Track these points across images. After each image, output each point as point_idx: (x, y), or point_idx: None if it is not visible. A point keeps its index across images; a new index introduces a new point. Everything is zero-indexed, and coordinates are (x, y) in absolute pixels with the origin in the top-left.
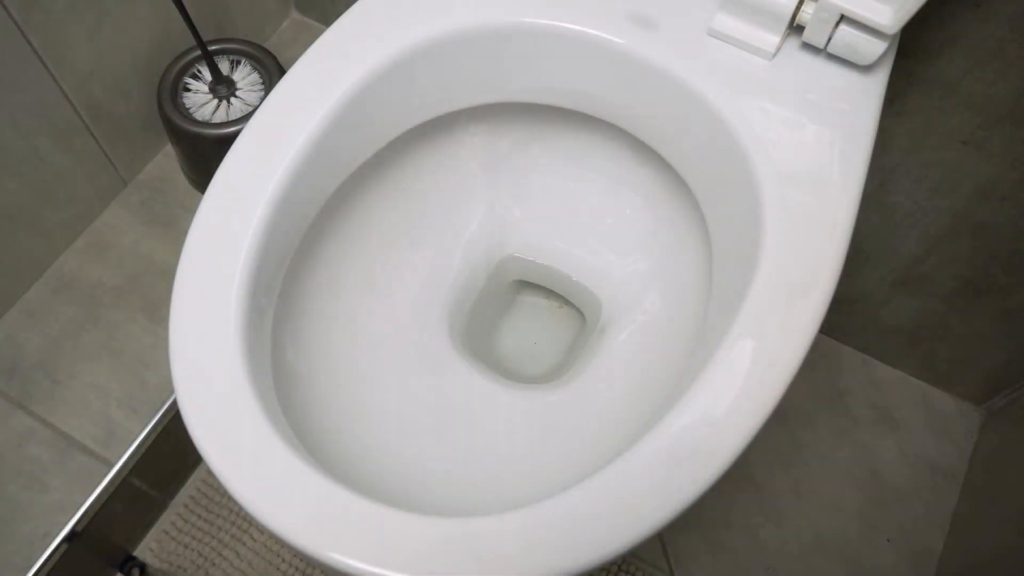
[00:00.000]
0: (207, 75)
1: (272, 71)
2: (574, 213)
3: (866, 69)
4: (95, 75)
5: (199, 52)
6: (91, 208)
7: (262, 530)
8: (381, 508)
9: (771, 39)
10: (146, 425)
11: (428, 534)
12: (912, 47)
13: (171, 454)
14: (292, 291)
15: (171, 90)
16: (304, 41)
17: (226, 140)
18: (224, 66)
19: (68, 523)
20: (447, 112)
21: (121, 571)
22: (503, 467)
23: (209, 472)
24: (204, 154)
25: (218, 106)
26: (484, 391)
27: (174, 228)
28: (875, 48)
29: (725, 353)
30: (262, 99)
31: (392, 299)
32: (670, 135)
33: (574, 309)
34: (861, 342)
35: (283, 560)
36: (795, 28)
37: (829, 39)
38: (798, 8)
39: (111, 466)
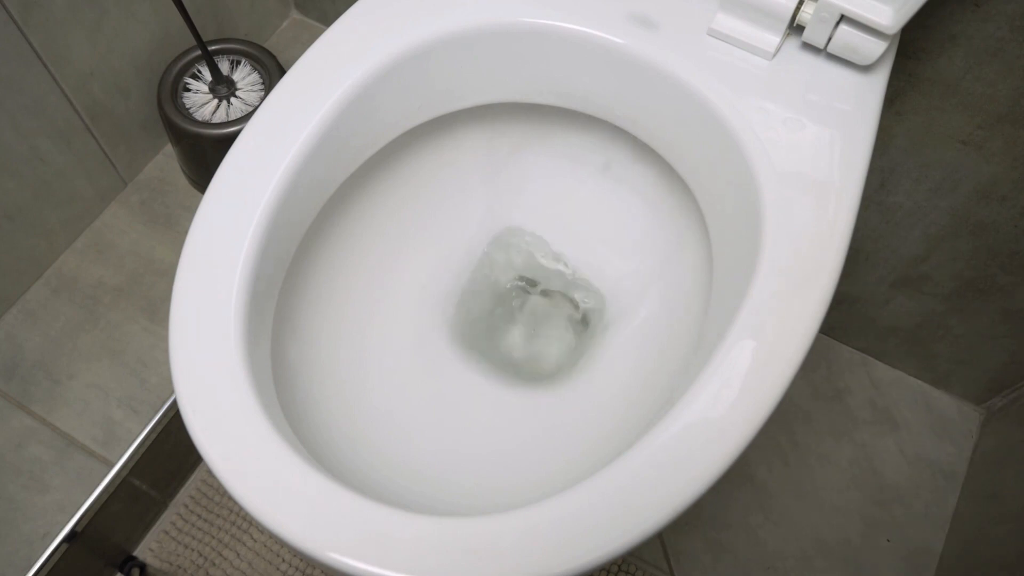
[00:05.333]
0: (207, 75)
1: (272, 71)
2: (574, 213)
3: (866, 69)
4: (95, 75)
5: (199, 52)
6: (91, 208)
7: (262, 530)
8: (381, 508)
9: (771, 39)
10: (146, 425)
11: (428, 534)
12: (912, 47)
13: (171, 454)
14: (292, 291)
15: (171, 90)
16: (304, 41)
17: (226, 140)
18: (224, 66)
19: (68, 523)
20: (447, 112)
21: (121, 571)
22: (503, 467)
23: (209, 472)
24: (204, 154)
25: (218, 106)
26: (485, 391)
27: (174, 228)
28: (875, 48)
29: (725, 353)
30: (262, 99)
31: (392, 299)
32: (670, 135)
33: (574, 309)
34: (861, 342)
35: (283, 560)
36: (795, 28)
37: (829, 39)
38: (798, 8)
39: (111, 466)
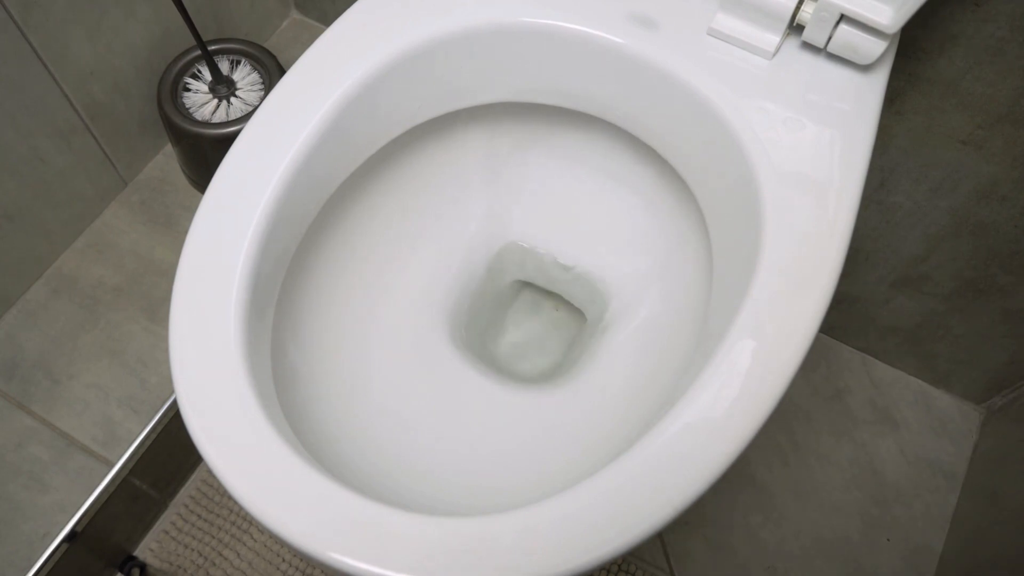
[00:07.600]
0: (207, 75)
1: (272, 71)
2: (574, 213)
3: (866, 69)
4: (95, 75)
5: (199, 52)
6: (91, 208)
7: (262, 530)
8: (381, 508)
9: (771, 39)
10: (146, 425)
11: (428, 534)
12: (912, 47)
13: (171, 454)
14: (293, 291)
15: (171, 90)
16: (304, 41)
17: (226, 140)
18: (224, 66)
19: (68, 523)
20: (447, 112)
21: (121, 571)
22: (503, 467)
23: (209, 472)
24: (204, 154)
25: (218, 106)
26: (484, 391)
27: (174, 228)
28: (875, 48)
29: (725, 353)
30: (262, 99)
31: (392, 299)
32: (670, 135)
33: (574, 309)
34: (861, 342)
35: (283, 560)
36: (795, 28)
37: (829, 39)
38: (798, 8)
39: (111, 466)
